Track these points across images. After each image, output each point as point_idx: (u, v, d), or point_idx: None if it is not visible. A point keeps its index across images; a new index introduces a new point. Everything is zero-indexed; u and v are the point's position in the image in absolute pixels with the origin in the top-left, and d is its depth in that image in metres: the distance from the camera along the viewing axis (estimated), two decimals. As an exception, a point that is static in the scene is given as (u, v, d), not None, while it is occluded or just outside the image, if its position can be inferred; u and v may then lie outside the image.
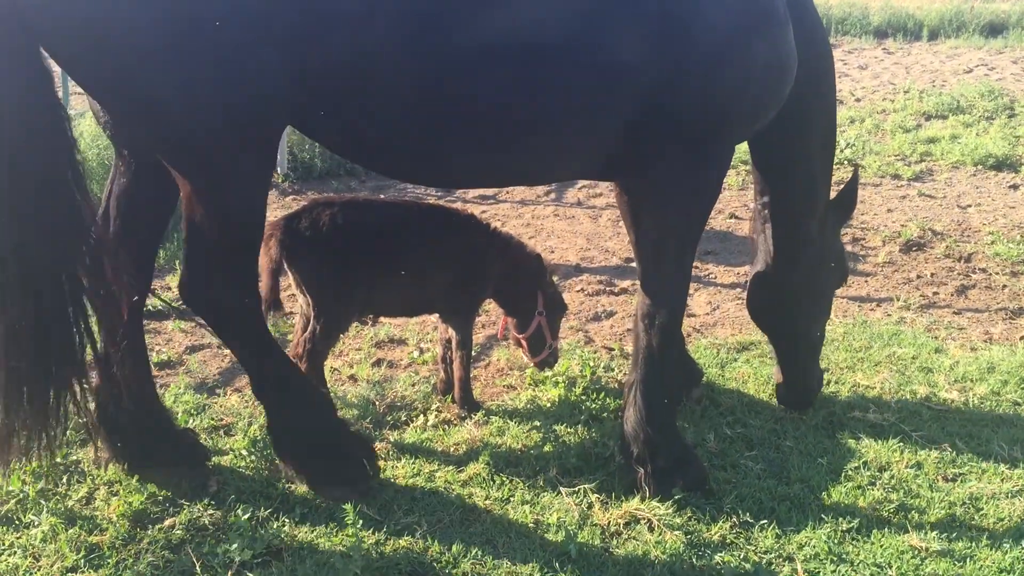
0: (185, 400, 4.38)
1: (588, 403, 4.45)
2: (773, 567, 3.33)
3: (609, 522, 3.53)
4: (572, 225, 7.65)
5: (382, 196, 7.75)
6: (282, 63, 2.94)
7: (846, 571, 3.31)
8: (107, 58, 2.86)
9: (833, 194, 4.27)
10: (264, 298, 3.81)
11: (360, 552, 3.24)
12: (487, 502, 3.65)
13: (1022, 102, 11.70)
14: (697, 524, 3.54)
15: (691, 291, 5.94)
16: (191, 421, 4.21)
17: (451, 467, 3.88)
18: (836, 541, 3.46)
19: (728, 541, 3.46)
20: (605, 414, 4.38)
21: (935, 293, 6.20)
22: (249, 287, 3.33)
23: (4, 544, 3.32)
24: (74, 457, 3.86)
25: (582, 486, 3.75)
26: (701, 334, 5.50)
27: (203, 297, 3.27)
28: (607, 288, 6.22)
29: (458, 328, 4.32)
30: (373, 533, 3.41)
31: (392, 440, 4.12)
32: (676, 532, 3.46)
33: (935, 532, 3.51)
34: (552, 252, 6.91)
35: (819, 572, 3.30)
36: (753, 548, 3.42)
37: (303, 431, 3.60)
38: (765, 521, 3.55)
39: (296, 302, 4.26)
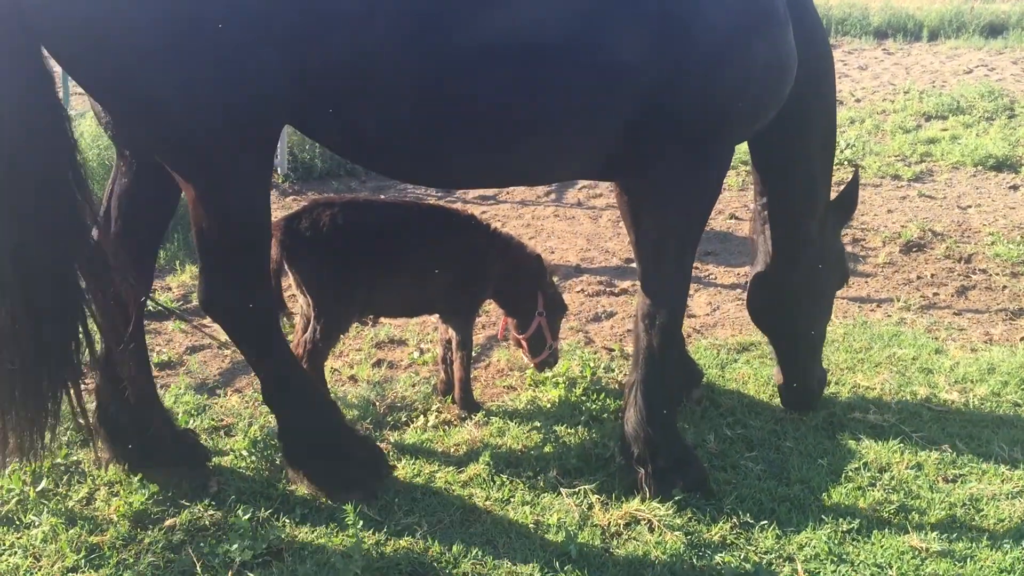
0: (185, 401, 4.38)
1: (588, 404, 4.45)
2: (773, 567, 3.33)
3: (609, 523, 3.53)
4: (572, 226, 7.65)
5: (382, 196, 7.75)
6: (282, 63, 2.94)
7: (846, 571, 3.30)
8: (107, 58, 2.86)
9: (834, 195, 4.27)
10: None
11: (361, 552, 3.24)
12: (487, 503, 3.65)
13: (1022, 103, 11.70)
14: (697, 525, 3.54)
15: (691, 292, 5.94)
16: (191, 422, 4.21)
17: (451, 468, 3.88)
18: (836, 542, 3.46)
19: (728, 542, 3.46)
20: (605, 415, 4.38)
21: (935, 294, 6.20)
22: (259, 288, 3.32)
23: (5, 544, 3.32)
24: (75, 457, 3.86)
25: (582, 487, 3.75)
26: (701, 335, 5.50)
27: (217, 302, 3.28)
28: (607, 289, 6.22)
29: (458, 329, 4.32)
30: (374, 533, 3.40)
31: (392, 441, 4.12)
32: (676, 533, 3.46)
33: (935, 533, 3.51)
34: (552, 253, 6.92)
35: (819, 572, 3.30)
36: (753, 549, 3.42)
37: (315, 436, 3.59)
38: (765, 522, 3.55)
39: (296, 302, 4.26)
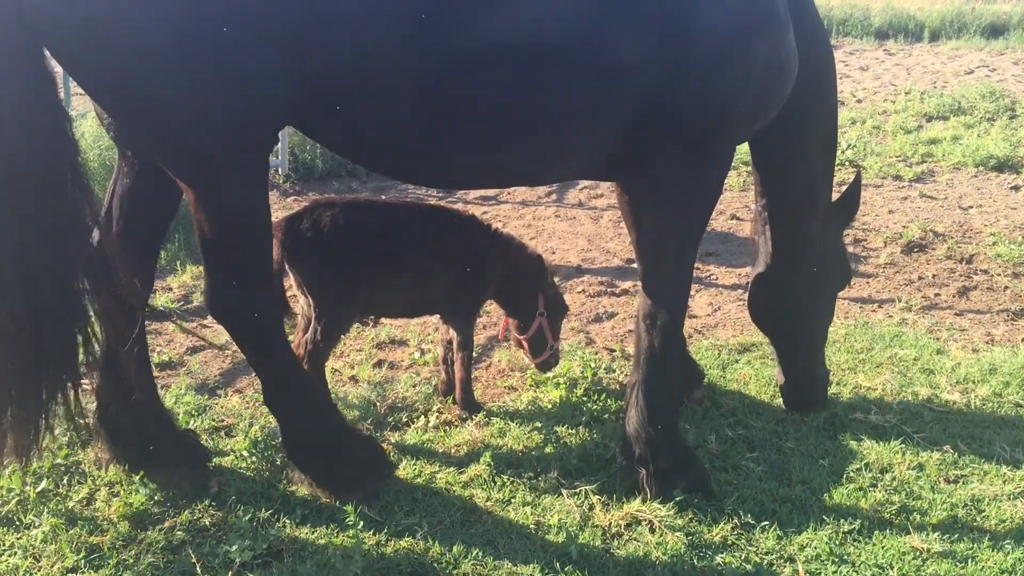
0: (186, 401, 4.37)
1: (589, 404, 4.44)
2: (774, 568, 3.32)
3: (610, 523, 3.52)
4: (573, 226, 7.65)
5: (383, 197, 7.74)
6: (282, 63, 2.94)
7: (848, 572, 3.30)
8: (107, 58, 2.86)
9: (835, 196, 4.27)
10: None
11: (361, 553, 3.23)
12: (488, 503, 3.65)
13: (1023, 103, 11.69)
14: (698, 525, 3.53)
15: (692, 292, 5.94)
16: (192, 422, 4.20)
17: (452, 468, 3.88)
18: (838, 542, 3.46)
19: (729, 542, 3.45)
20: (606, 415, 4.37)
21: (937, 294, 6.19)
22: (261, 289, 3.32)
23: (5, 545, 3.32)
24: (75, 458, 3.86)
25: (583, 487, 3.75)
26: (702, 335, 5.49)
27: (220, 303, 3.28)
28: (608, 289, 6.22)
29: (459, 329, 4.32)
30: (374, 534, 3.40)
31: (393, 441, 4.12)
32: (677, 533, 3.45)
33: (937, 533, 3.51)
34: (553, 253, 6.91)
35: (820, 573, 3.30)
36: (754, 549, 3.41)
37: (316, 437, 3.59)
38: (766, 522, 3.55)
39: (298, 303, 4.26)
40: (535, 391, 4.64)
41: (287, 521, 3.47)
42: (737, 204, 8.20)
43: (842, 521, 3.56)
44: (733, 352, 5.18)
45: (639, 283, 3.80)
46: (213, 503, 3.56)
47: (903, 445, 4.14)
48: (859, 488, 3.81)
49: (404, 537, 3.40)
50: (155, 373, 4.16)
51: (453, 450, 4.05)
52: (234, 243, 3.20)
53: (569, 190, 8.61)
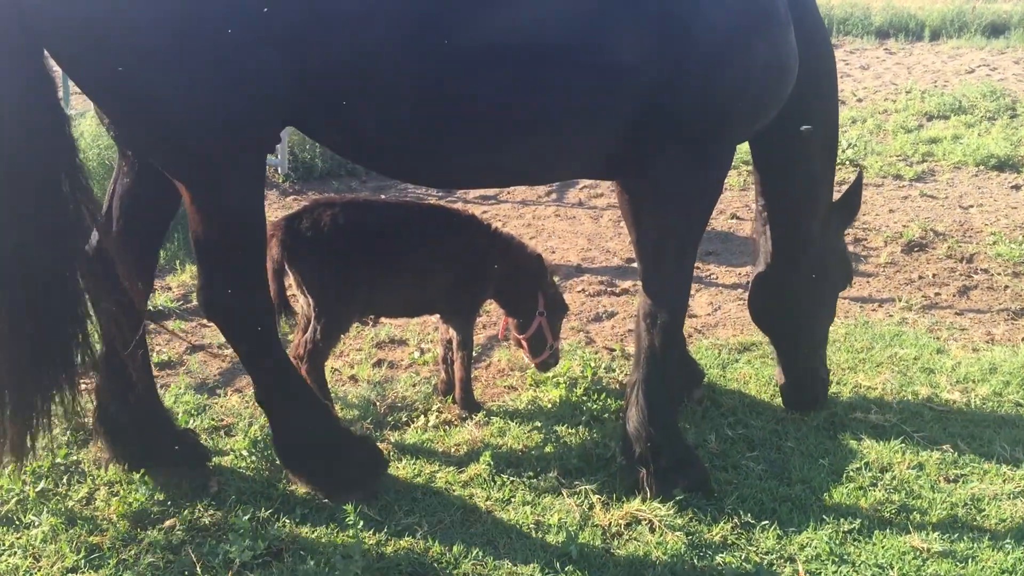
0: (185, 400, 4.37)
1: (589, 404, 4.44)
2: (775, 568, 3.32)
3: (610, 523, 3.52)
4: (573, 225, 7.65)
5: (383, 196, 7.74)
6: (282, 63, 2.93)
7: (848, 572, 3.30)
8: (107, 58, 2.85)
9: (836, 195, 4.26)
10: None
11: (361, 552, 3.23)
12: (488, 503, 3.65)
13: (1024, 102, 11.71)
14: (698, 525, 3.53)
15: (692, 292, 5.93)
16: (191, 422, 4.20)
17: (452, 468, 3.87)
18: (838, 542, 3.46)
19: (729, 542, 3.45)
20: (606, 415, 4.37)
21: (937, 294, 6.19)
22: (257, 289, 3.32)
23: (4, 544, 3.32)
24: (74, 457, 3.86)
25: (583, 487, 3.75)
26: (703, 335, 5.49)
27: (215, 302, 3.27)
28: (608, 289, 6.22)
29: (459, 329, 4.32)
30: (374, 534, 3.40)
31: (393, 441, 4.12)
32: (677, 533, 3.45)
33: (937, 533, 3.51)
34: (553, 252, 6.91)
35: (820, 573, 3.30)
36: (754, 549, 3.41)
37: (312, 437, 3.59)
38: (766, 522, 3.55)
39: (298, 303, 4.26)
40: (535, 391, 4.64)
41: (287, 521, 3.47)
42: (737, 203, 8.19)
43: (842, 520, 3.56)
44: (733, 351, 5.18)
45: (639, 282, 3.80)
46: (213, 503, 3.56)
47: (903, 444, 4.14)
48: (859, 487, 3.81)
49: (404, 537, 3.40)
50: (155, 372, 4.16)
51: (453, 450, 4.05)
52: (232, 243, 3.20)
53: (569, 190, 8.61)
